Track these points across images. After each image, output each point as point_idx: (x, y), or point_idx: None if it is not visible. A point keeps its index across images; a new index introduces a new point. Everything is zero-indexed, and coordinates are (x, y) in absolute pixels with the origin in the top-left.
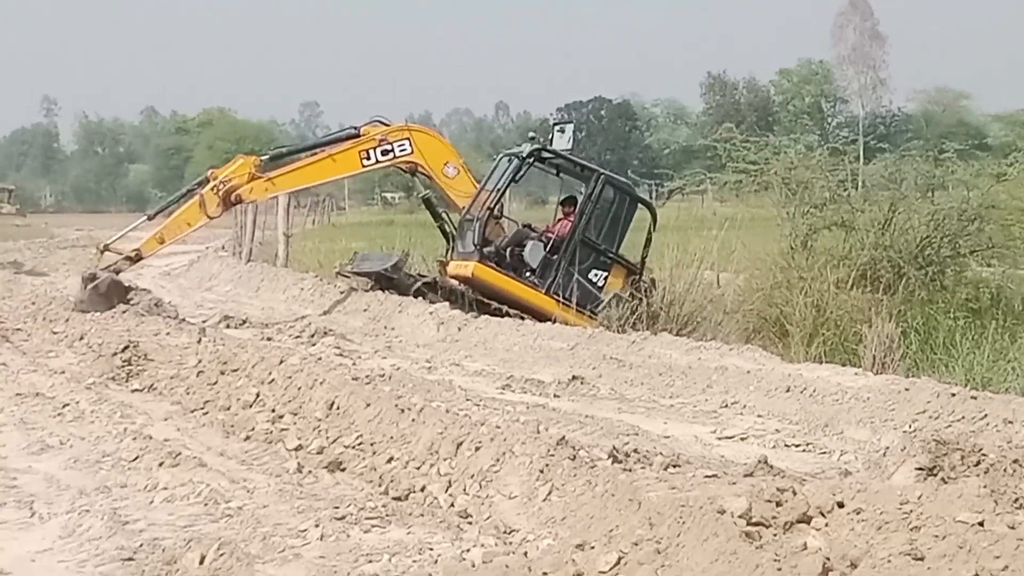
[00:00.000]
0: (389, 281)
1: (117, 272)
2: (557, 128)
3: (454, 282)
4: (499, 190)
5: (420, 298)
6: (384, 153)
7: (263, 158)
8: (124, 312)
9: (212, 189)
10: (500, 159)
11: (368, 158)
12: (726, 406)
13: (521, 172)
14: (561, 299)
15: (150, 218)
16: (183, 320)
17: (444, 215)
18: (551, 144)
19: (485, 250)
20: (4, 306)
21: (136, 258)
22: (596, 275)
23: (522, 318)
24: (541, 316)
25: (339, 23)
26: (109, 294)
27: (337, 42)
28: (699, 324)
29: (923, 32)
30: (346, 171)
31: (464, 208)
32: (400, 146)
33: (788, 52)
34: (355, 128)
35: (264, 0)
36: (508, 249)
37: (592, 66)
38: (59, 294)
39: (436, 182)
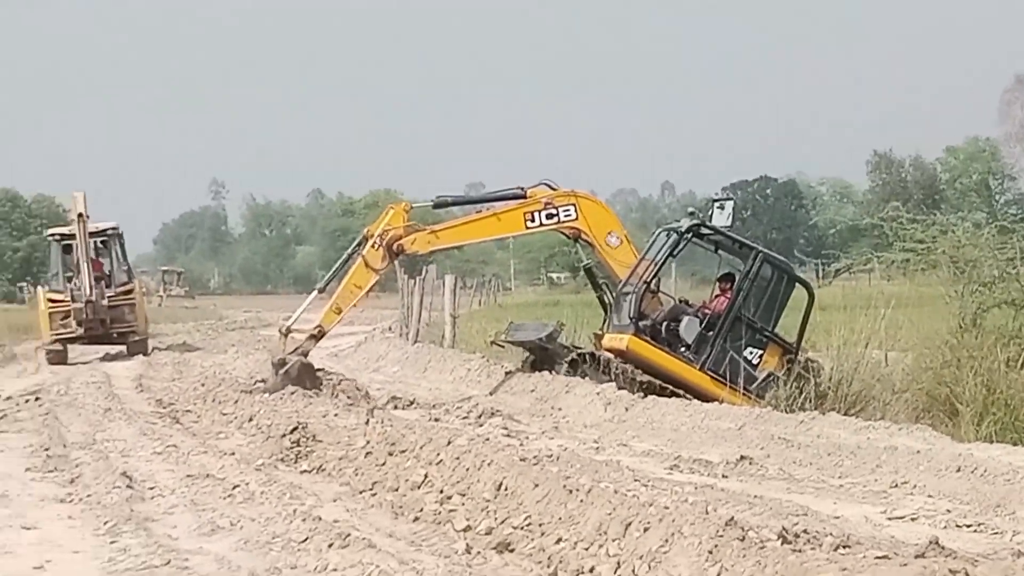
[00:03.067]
0: (543, 351)
1: (304, 354)
2: (717, 204)
3: (609, 355)
4: (656, 264)
5: (573, 370)
6: (549, 217)
7: (421, 204)
8: (292, 394)
9: (372, 246)
10: (659, 233)
11: (532, 220)
12: (896, 486)
13: (679, 247)
14: (716, 376)
15: (321, 291)
16: (361, 397)
17: (604, 286)
18: (710, 220)
19: (641, 324)
20: (174, 388)
21: (319, 335)
22: (751, 353)
23: (679, 395)
24: (695, 392)
25: (503, 102)
26: (300, 378)
27: (499, 120)
28: (867, 403)
29: None
30: (509, 231)
31: (621, 280)
32: (565, 211)
33: (954, 129)
34: (521, 189)
35: (430, 84)
36: (664, 324)
37: (757, 145)
38: (228, 375)
39: (598, 251)
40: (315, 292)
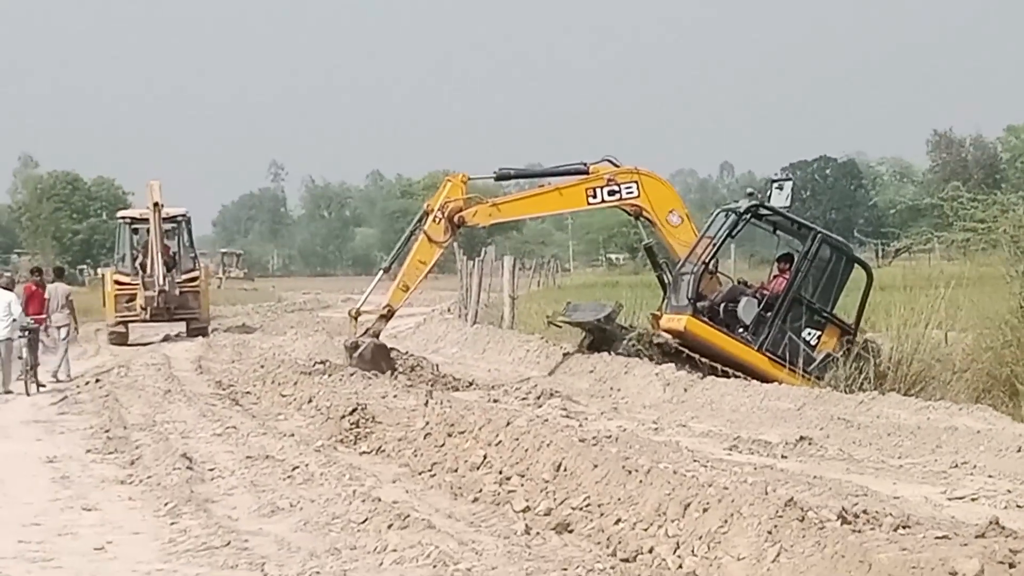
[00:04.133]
0: (601, 332)
1: (376, 335)
2: (776, 185)
3: (667, 335)
4: (715, 244)
5: (631, 350)
6: (611, 193)
7: (483, 177)
8: (352, 375)
9: (434, 220)
10: (717, 214)
11: (595, 196)
12: (956, 466)
13: (738, 228)
14: (774, 356)
15: (386, 271)
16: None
17: (664, 265)
18: (769, 201)
19: (699, 304)
20: (234, 369)
21: (389, 314)
22: (809, 334)
23: (735, 375)
24: (752, 373)
25: (563, 82)
26: (375, 359)
27: (559, 101)
28: (927, 384)
29: None
30: (571, 206)
31: (680, 259)
32: (628, 188)
33: (1016, 109)
34: (584, 164)
35: (490, 65)
36: (722, 304)
37: (817, 125)
38: (287, 357)
39: (659, 229)
40: (380, 273)
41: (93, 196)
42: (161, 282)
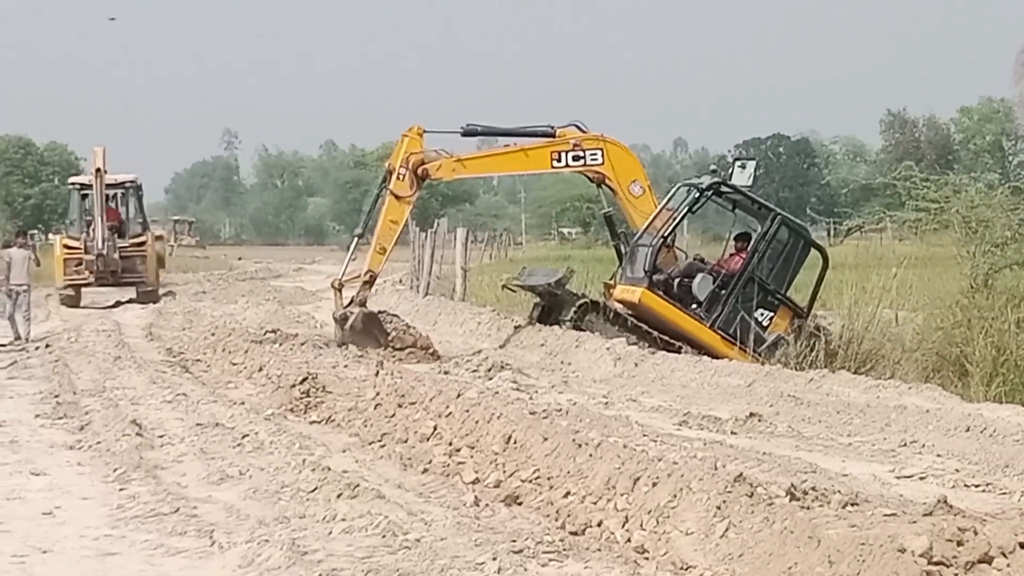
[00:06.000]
0: (552, 297)
1: (363, 303)
2: (739, 164)
3: (618, 306)
4: (674, 219)
5: (580, 318)
6: (575, 159)
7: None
8: (303, 344)
9: (398, 177)
10: (678, 188)
11: (559, 160)
12: (905, 445)
13: (698, 204)
14: (725, 335)
15: (360, 236)
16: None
17: (622, 236)
18: (731, 179)
19: (655, 277)
20: (184, 337)
21: (371, 279)
22: (762, 314)
23: (685, 350)
24: (701, 349)
25: (515, 54)
26: (367, 328)
27: (511, 74)
28: (877, 362)
29: None
30: (536, 168)
31: (637, 231)
32: (592, 155)
33: (969, 90)
34: (551, 128)
35: (442, 35)
36: (678, 279)
37: (771, 103)
38: (238, 325)
39: (620, 198)
40: (355, 240)
41: (45, 161)
42: (100, 246)
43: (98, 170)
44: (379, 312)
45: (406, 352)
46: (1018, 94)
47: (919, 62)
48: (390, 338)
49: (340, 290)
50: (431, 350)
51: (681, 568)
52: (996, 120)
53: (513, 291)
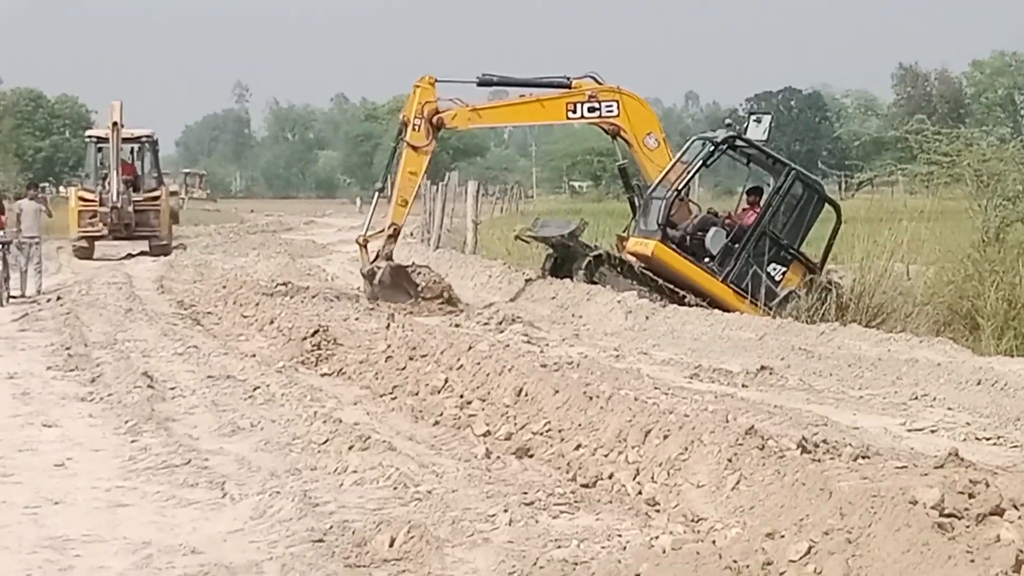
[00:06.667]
0: (565, 249)
1: (389, 257)
2: (754, 118)
3: (631, 258)
4: (688, 172)
5: (592, 271)
6: (591, 110)
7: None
8: (314, 297)
9: (414, 128)
10: (693, 142)
11: (574, 111)
12: (916, 398)
13: (713, 157)
14: (737, 289)
15: (380, 191)
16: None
17: (636, 188)
18: (746, 133)
19: (668, 231)
20: (195, 290)
21: (395, 233)
22: (775, 269)
23: (697, 303)
24: (714, 302)
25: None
26: (397, 282)
27: (523, 27)
28: (889, 316)
29: None
30: (550, 119)
31: (651, 184)
32: (608, 106)
33: (981, 43)
34: (567, 79)
35: None
36: (691, 233)
37: (783, 56)
38: (249, 278)
39: (635, 150)
40: (376, 195)
41: (56, 114)
42: (115, 199)
43: (115, 124)
44: (411, 265)
45: (436, 304)
46: None
47: (931, 15)
48: (420, 289)
49: (365, 246)
50: (456, 301)
51: (692, 520)
52: (1008, 74)
53: (527, 242)
